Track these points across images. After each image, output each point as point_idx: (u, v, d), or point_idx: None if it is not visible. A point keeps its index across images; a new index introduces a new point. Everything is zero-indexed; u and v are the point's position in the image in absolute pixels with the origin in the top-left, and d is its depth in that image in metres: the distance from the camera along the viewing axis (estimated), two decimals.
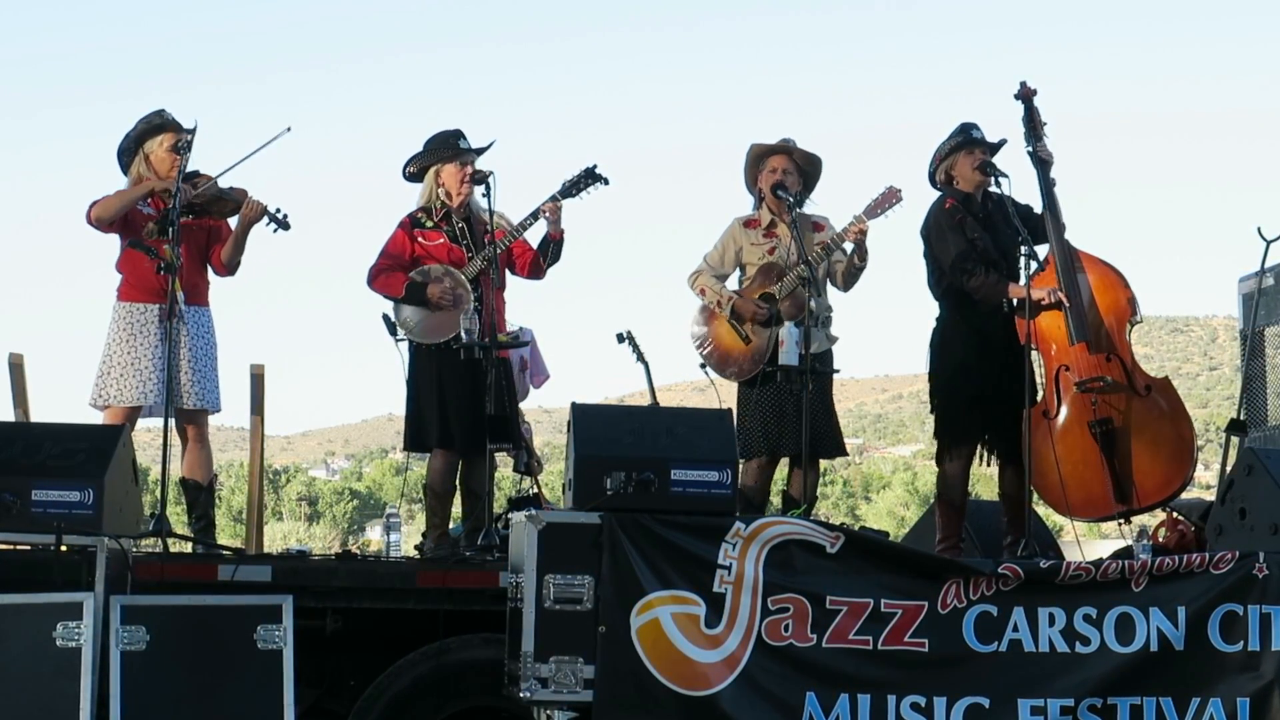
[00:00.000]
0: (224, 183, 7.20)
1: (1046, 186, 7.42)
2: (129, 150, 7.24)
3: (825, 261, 7.42)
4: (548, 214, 7.39)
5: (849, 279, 7.54)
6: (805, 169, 7.65)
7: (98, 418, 7.07)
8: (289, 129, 7.18)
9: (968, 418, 7.31)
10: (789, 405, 7.33)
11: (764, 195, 7.62)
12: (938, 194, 7.49)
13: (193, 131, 7.11)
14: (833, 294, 7.58)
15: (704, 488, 5.58)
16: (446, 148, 7.46)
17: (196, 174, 7.21)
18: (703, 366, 7.62)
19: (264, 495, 9.05)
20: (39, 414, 8.10)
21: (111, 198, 7.10)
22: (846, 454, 7.76)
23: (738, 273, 7.68)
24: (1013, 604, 5.66)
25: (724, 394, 7.67)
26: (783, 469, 7.69)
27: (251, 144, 7.14)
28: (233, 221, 7.32)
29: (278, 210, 7.18)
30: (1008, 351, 7.17)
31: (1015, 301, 7.13)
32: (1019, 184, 7.46)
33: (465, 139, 7.46)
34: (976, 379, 7.26)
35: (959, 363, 7.33)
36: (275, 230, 7.22)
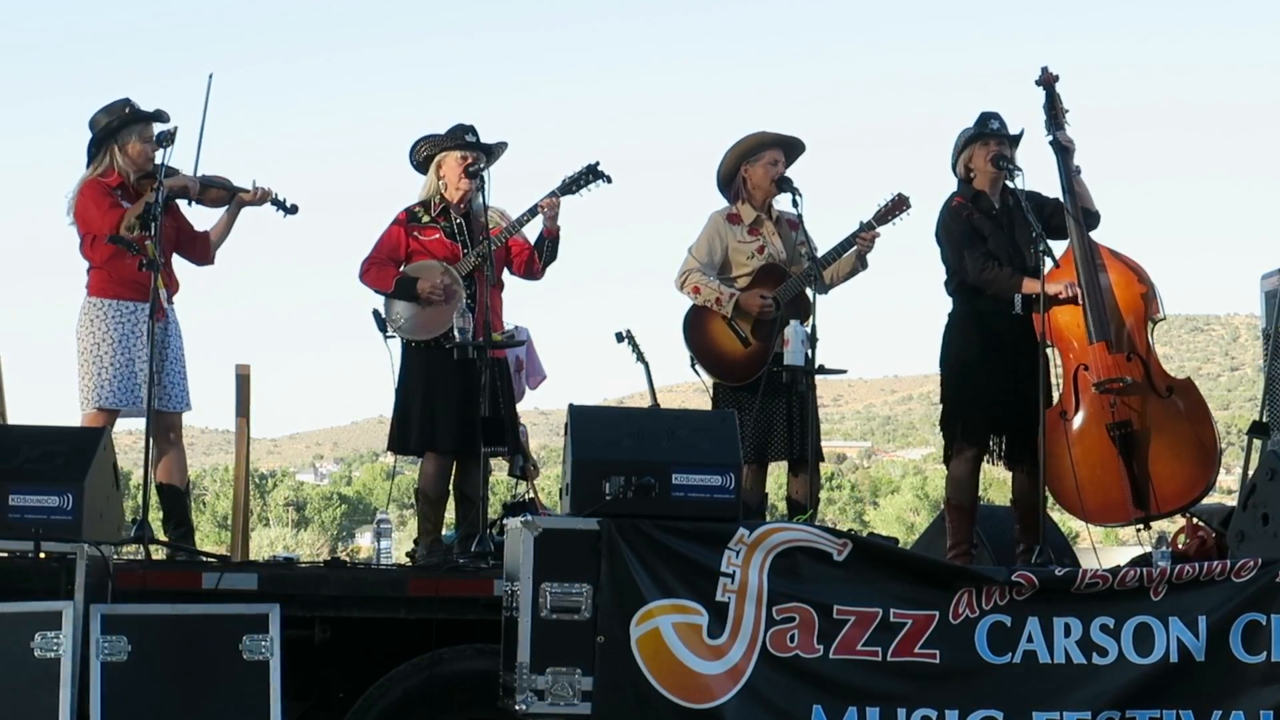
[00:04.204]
0: (201, 170, 7.29)
1: (1067, 177, 7.42)
2: (101, 143, 7.24)
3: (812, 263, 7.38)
4: (544, 209, 7.40)
5: (836, 284, 7.57)
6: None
7: (78, 419, 7.07)
8: (211, 75, 7.29)
9: (975, 417, 7.31)
10: (779, 410, 7.34)
11: (750, 188, 7.59)
12: (951, 190, 7.50)
13: (174, 130, 7.15)
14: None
15: (706, 492, 5.58)
16: (452, 137, 7.48)
17: (173, 170, 7.26)
18: (693, 365, 7.62)
19: (250, 500, 9.05)
20: (16, 416, 8.11)
21: (131, 216, 7.04)
22: (824, 459, 7.73)
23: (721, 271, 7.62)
24: (1027, 614, 5.65)
25: (704, 398, 7.68)
26: (780, 475, 7.69)
27: (214, 130, 7.25)
28: (209, 212, 7.40)
29: (278, 195, 7.34)
30: (1021, 350, 7.17)
31: (1028, 298, 7.13)
32: (1043, 174, 7.49)
33: (476, 135, 7.47)
34: (986, 377, 7.26)
35: (968, 360, 7.33)
36: (284, 216, 7.37)
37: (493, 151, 7.53)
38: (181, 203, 7.33)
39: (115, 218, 7.03)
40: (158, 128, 7.18)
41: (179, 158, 7.27)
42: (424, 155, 7.55)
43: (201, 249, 7.41)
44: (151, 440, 7.16)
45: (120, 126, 7.20)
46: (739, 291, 7.48)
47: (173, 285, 7.29)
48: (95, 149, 7.25)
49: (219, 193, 7.35)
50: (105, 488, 6.03)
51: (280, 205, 7.34)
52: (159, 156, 7.12)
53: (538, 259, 7.50)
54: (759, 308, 7.42)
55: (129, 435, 7.33)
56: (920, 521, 46.58)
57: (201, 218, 7.47)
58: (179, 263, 7.39)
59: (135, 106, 7.25)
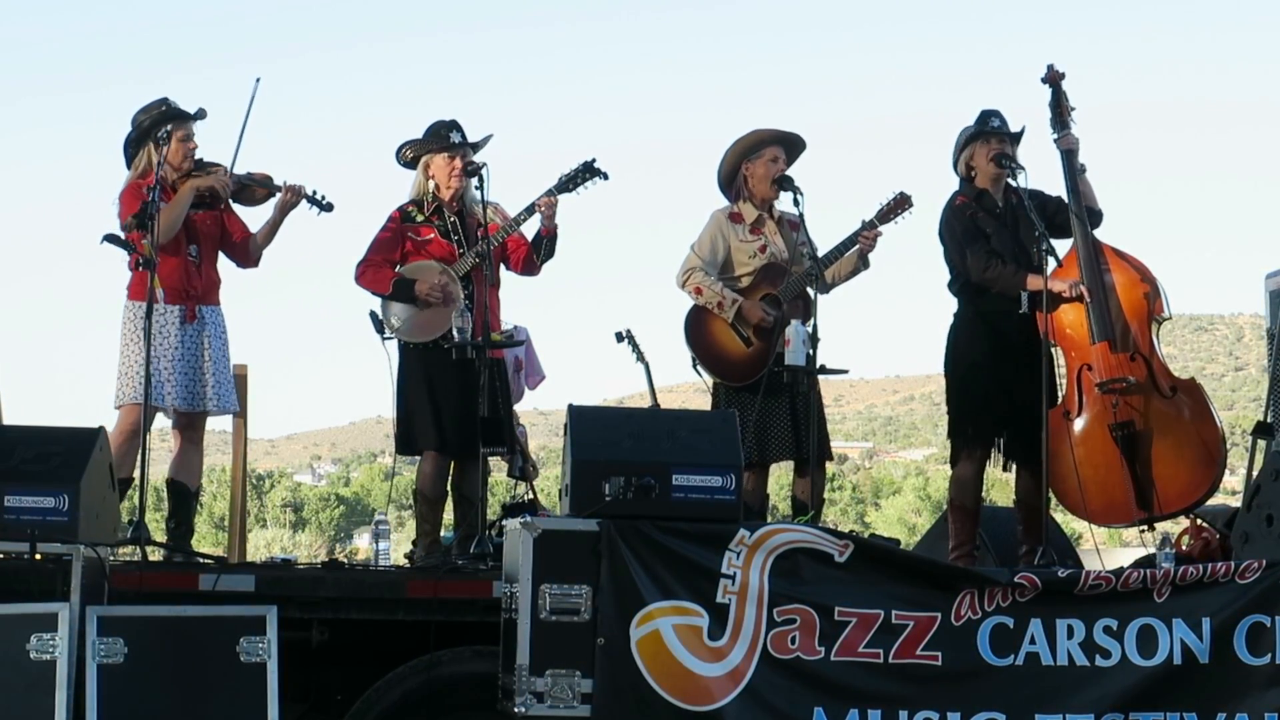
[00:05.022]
0: (239, 168, 7.34)
1: (1071, 176, 7.42)
2: (138, 141, 7.24)
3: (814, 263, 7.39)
4: (542, 209, 7.40)
5: (838, 283, 7.57)
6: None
7: (74, 420, 7.10)
8: (259, 79, 7.30)
9: (981, 418, 7.32)
10: (780, 410, 7.34)
11: (751, 186, 7.58)
12: (954, 189, 7.51)
13: (170, 130, 7.15)
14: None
15: (707, 493, 5.58)
16: (437, 139, 7.48)
17: (206, 163, 7.28)
18: (694, 365, 7.61)
19: (247, 501, 9.06)
20: (11, 416, 8.10)
21: (166, 216, 7.04)
22: (832, 458, 7.72)
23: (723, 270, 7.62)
24: (1030, 615, 5.66)
25: (705, 398, 7.67)
26: (784, 476, 7.67)
27: (234, 124, 7.24)
28: (242, 210, 7.44)
29: (315, 191, 7.31)
30: (1026, 350, 7.17)
31: (1034, 296, 7.12)
32: (1047, 171, 7.49)
33: (460, 131, 7.48)
34: (991, 378, 7.26)
35: (973, 361, 7.33)
36: (319, 213, 7.38)
37: (478, 147, 7.53)
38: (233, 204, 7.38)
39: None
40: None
41: (219, 157, 7.33)
42: (411, 156, 7.55)
43: (242, 251, 7.44)
44: (174, 437, 7.21)
45: (152, 126, 7.20)
46: (742, 298, 7.47)
47: (210, 285, 7.33)
48: (134, 150, 7.26)
49: (255, 191, 7.36)
50: (101, 489, 6.02)
51: (314, 202, 7.35)
52: (155, 155, 7.13)
53: (535, 257, 7.50)
54: (760, 319, 7.42)
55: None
56: (922, 523, 46.56)
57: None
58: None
59: (171, 105, 7.27)
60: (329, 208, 7.39)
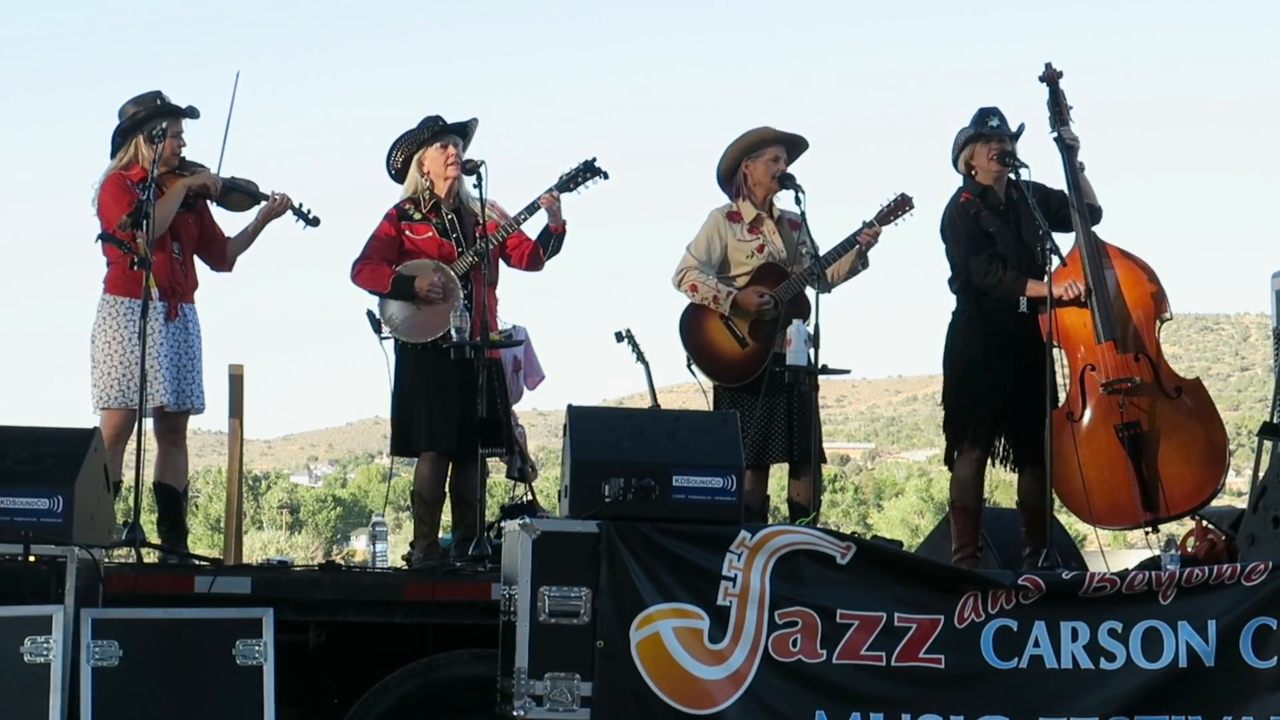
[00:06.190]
0: (225, 172, 7.31)
1: (1072, 173, 7.43)
2: (128, 132, 7.21)
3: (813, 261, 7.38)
4: (547, 206, 7.40)
5: (837, 283, 7.57)
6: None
7: (66, 420, 7.09)
8: (239, 73, 7.31)
9: (979, 417, 7.31)
10: (779, 411, 7.34)
11: (751, 185, 7.58)
12: (958, 185, 7.51)
13: (165, 127, 7.14)
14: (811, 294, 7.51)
15: (708, 495, 5.58)
16: (424, 131, 7.47)
17: (190, 163, 7.27)
18: (689, 365, 7.60)
19: (243, 503, 9.06)
20: (4, 417, 8.11)
21: (158, 212, 7.02)
22: (826, 460, 7.70)
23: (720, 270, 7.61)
24: (1034, 618, 5.65)
25: (706, 398, 7.67)
26: (784, 478, 7.67)
27: (217, 124, 7.22)
28: (229, 215, 7.42)
29: (301, 205, 7.31)
30: (1026, 349, 7.17)
31: (1029, 301, 7.12)
32: (1046, 170, 7.48)
33: (444, 121, 7.47)
34: (990, 376, 7.26)
35: (972, 359, 7.33)
36: (305, 228, 7.38)
37: (467, 130, 7.53)
38: (211, 205, 7.36)
39: None
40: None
41: (203, 157, 7.32)
42: (401, 161, 7.52)
43: (219, 254, 7.43)
44: (156, 439, 7.19)
45: (146, 119, 7.18)
46: (736, 290, 7.47)
47: (191, 283, 7.32)
48: (121, 139, 7.23)
49: (242, 197, 7.36)
50: (96, 490, 6.02)
51: (301, 215, 7.36)
52: (148, 151, 7.11)
53: (542, 252, 7.50)
54: (757, 305, 7.42)
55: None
56: (925, 524, 46.61)
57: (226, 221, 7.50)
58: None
59: (165, 99, 7.24)
60: (315, 223, 7.39)
